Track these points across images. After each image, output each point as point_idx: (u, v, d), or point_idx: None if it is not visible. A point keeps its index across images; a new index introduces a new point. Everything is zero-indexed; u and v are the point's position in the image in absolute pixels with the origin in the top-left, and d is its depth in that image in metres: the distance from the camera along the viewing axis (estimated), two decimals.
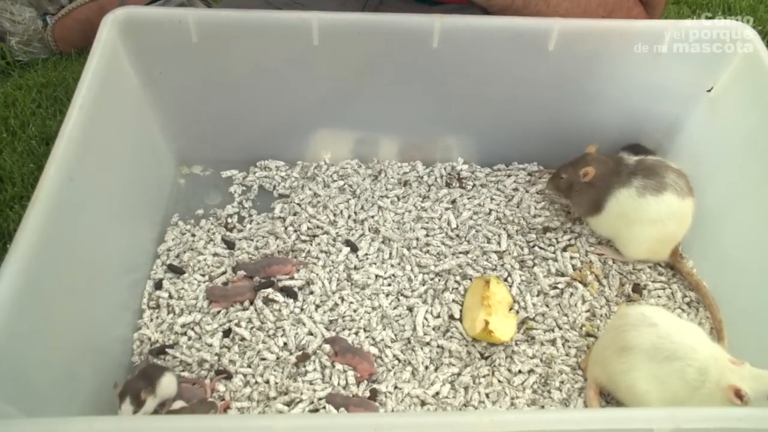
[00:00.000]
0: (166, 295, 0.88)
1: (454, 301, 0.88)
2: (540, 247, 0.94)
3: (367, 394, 0.79)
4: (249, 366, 0.81)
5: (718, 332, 0.85)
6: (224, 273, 0.90)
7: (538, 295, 0.89)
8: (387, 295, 0.88)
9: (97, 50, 0.75)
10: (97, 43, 0.76)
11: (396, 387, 0.80)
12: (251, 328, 0.85)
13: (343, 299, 0.88)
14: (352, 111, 0.99)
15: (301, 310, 0.87)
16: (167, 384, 0.74)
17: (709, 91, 0.93)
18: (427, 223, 0.97)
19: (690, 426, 0.51)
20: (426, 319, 0.86)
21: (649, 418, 0.52)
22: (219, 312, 0.86)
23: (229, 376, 0.80)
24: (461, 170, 1.04)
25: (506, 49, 0.88)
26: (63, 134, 0.66)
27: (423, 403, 0.79)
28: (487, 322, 0.81)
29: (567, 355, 0.84)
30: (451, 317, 0.86)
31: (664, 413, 0.52)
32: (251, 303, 0.87)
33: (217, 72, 0.92)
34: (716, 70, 0.91)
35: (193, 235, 0.95)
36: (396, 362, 0.83)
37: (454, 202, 1.00)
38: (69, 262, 0.70)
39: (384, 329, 0.85)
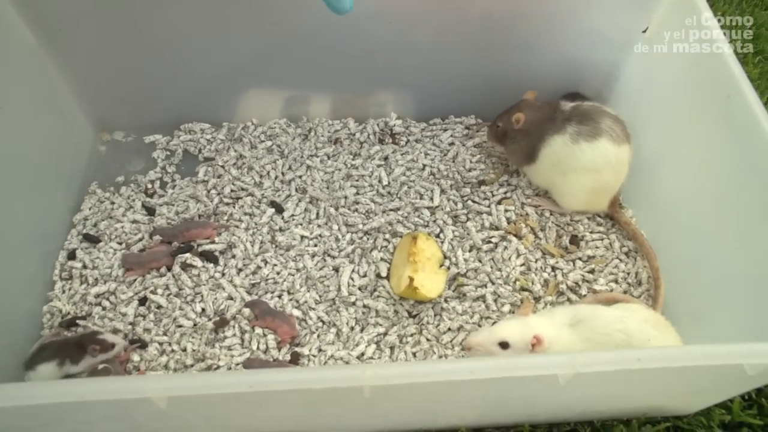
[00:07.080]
0: (79, 265, 0.84)
1: (382, 259, 0.84)
2: (474, 201, 0.91)
3: (288, 357, 0.76)
4: (165, 334, 0.78)
5: (655, 280, 0.82)
6: (141, 240, 0.86)
7: (470, 251, 0.86)
8: (312, 256, 0.85)
9: None
10: None
11: (320, 349, 0.77)
12: (168, 295, 0.81)
13: (266, 262, 0.84)
14: (279, 68, 0.94)
15: (222, 274, 0.83)
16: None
17: (644, 31, 0.89)
18: (357, 181, 0.93)
19: (589, 370, 0.48)
20: (352, 278, 0.83)
21: (549, 365, 0.49)
22: (135, 280, 0.82)
23: (143, 345, 0.77)
24: (394, 126, 0.99)
25: None
26: None
27: (347, 365, 0.76)
28: (411, 279, 0.77)
29: (499, 311, 0.81)
30: (378, 276, 0.83)
31: (563, 359, 0.49)
32: (169, 269, 0.83)
33: (127, 28, 0.86)
34: (651, 8, 0.87)
35: (112, 203, 0.91)
36: (320, 324, 0.80)
37: (386, 158, 0.96)
38: None
39: (308, 291, 0.82)
